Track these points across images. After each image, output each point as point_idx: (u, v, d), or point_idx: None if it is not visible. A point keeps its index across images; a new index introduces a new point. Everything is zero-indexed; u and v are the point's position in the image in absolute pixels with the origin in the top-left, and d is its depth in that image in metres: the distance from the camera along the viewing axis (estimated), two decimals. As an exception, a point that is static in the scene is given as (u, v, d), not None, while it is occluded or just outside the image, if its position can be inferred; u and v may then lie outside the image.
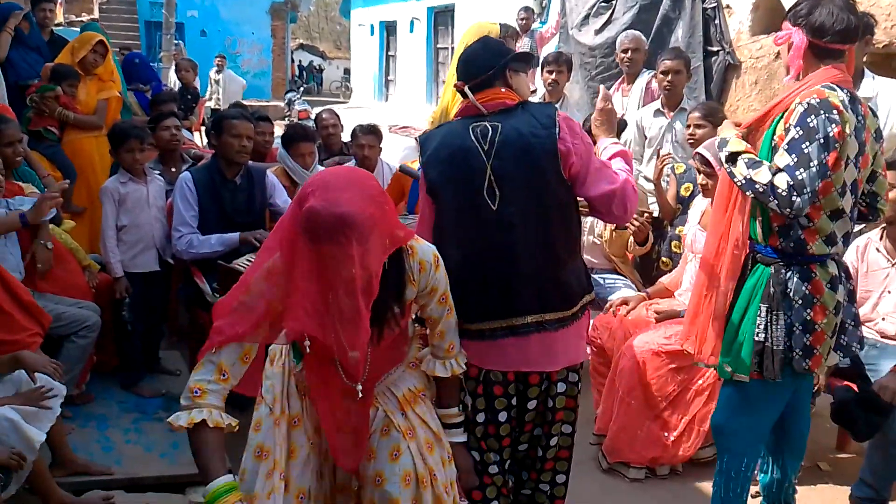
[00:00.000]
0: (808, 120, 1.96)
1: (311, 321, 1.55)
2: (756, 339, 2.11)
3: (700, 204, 3.20)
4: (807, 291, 2.07)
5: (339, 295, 1.52)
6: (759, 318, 2.10)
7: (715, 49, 5.35)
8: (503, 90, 2.04)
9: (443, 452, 1.91)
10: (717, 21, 5.35)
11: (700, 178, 3.07)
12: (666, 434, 2.89)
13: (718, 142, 2.17)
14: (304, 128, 4.12)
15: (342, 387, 1.76)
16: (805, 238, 2.06)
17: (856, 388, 2.58)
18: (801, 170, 1.93)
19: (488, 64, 2.05)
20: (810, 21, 2.05)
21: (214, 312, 1.68)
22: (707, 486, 2.88)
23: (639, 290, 3.48)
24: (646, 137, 4.24)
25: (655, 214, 3.79)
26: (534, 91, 2.16)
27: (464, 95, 2.08)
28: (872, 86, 3.40)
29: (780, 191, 1.94)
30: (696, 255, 3.08)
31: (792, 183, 1.93)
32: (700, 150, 3.03)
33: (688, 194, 3.53)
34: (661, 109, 4.16)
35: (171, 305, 3.84)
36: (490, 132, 1.98)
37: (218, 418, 1.61)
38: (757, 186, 1.99)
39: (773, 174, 1.96)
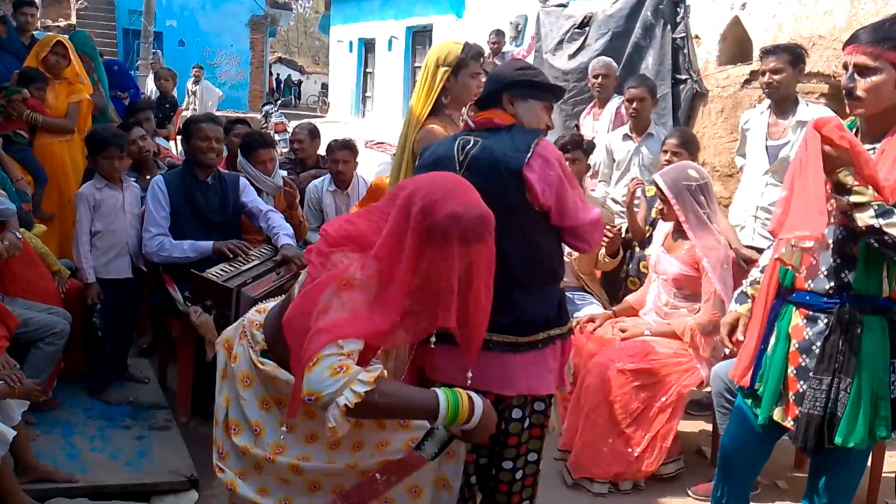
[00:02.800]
0: None
1: (450, 316, 1.60)
2: (893, 396, 1.98)
3: (664, 226, 3.30)
4: None
5: (481, 288, 1.64)
6: (893, 374, 1.98)
7: (683, 77, 5.53)
8: (500, 112, 2.12)
9: None
10: (685, 50, 5.54)
11: (657, 204, 3.18)
12: (629, 450, 2.95)
13: (835, 188, 1.90)
14: (261, 135, 4.17)
15: None
16: None
17: None
18: None
19: (491, 87, 2.17)
20: None
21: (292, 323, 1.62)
22: (668, 501, 2.96)
23: (605, 308, 3.57)
24: (614, 160, 4.35)
25: (624, 234, 3.89)
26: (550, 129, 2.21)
27: (484, 107, 2.19)
28: (808, 112, 3.52)
29: None
30: (659, 275, 3.18)
31: None
32: (655, 177, 3.14)
33: (658, 217, 3.63)
34: (629, 134, 4.28)
35: (142, 313, 3.83)
36: (469, 144, 2.07)
37: (374, 372, 1.53)
38: (885, 238, 1.82)
39: None
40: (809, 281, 2.03)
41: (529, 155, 2.00)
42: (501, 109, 2.13)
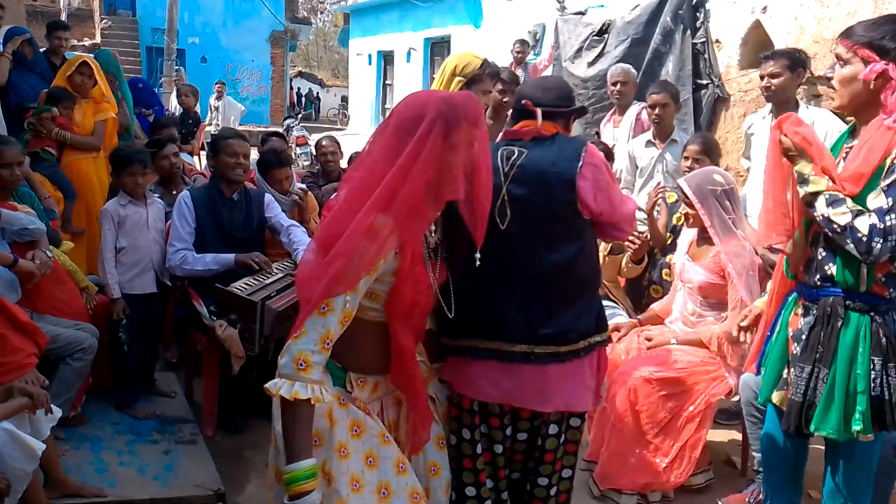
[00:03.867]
0: None
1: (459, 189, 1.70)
2: (873, 393, 1.99)
3: (688, 233, 3.26)
4: None
5: (482, 167, 1.72)
6: (873, 371, 1.98)
7: (704, 82, 5.50)
8: (545, 122, 2.07)
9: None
10: (706, 55, 5.50)
11: (682, 208, 3.14)
12: (657, 460, 2.91)
13: (797, 178, 1.98)
14: (277, 154, 4.16)
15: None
16: None
17: None
18: (893, 215, 1.82)
19: (557, 101, 2.12)
20: None
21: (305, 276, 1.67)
22: (697, 513, 2.91)
23: (630, 317, 3.53)
24: (637, 167, 4.32)
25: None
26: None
27: (526, 116, 2.10)
28: (808, 114, 3.58)
29: (859, 234, 1.83)
30: (684, 283, 3.14)
31: (880, 227, 1.82)
32: (680, 181, 3.10)
33: (679, 223, 3.59)
34: (653, 140, 4.25)
35: (167, 327, 3.86)
36: (514, 156, 2.03)
37: (319, 395, 1.59)
38: (834, 226, 1.88)
39: (854, 216, 1.85)
40: (805, 273, 2.10)
41: (581, 164, 2.00)
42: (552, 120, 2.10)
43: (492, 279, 1.99)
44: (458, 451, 2.11)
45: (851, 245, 1.86)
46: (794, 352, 2.12)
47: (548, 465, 2.15)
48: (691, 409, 2.92)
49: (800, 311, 2.14)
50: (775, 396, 2.19)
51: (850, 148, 2.02)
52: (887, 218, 1.82)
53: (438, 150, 1.64)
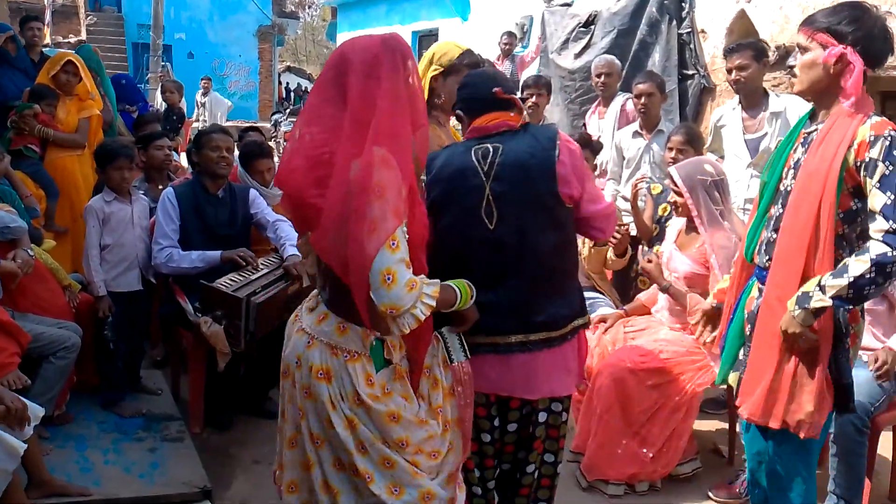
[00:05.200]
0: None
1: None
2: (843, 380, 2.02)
3: (676, 223, 3.26)
4: (847, 322, 2.00)
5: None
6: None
7: (690, 73, 5.50)
8: (512, 114, 2.08)
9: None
10: (692, 45, 5.51)
11: (670, 196, 3.14)
12: (644, 450, 2.92)
13: (799, 297, 1.92)
14: (258, 145, 4.16)
15: None
16: None
17: None
18: None
19: (514, 90, 2.14)
20: (866, 44, 1.90)
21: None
22: (685, 502, 2.92)
23: (616, 308, 3.53)
24: (624, 158, 4.32)
25: (633, 233, 3.85)
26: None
27: (490, 108, 2.09)
28: (779, 102, 3.63)
29: (889, 255, 1.79)
30: (670, 273, 3.14)
31: (893, 228, 1.80)
32: (671, 169, 3.10)
33: (665, 214, 3.60)
34: (640, 131, 4.24)
35: (153, 325, 3.84)
36: (491, 153, 2.02)
37: (435, 286, 1.77)
38: (865, 276, 1.82)
39: (862, 254, 1.83)
40: (757, 255, 2.14)
41: (557, 151, 2.02)
42: (510, 111, 2.09)
43: (484, 279, 2.00)
44: None
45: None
46: (747, 332, 2.17)
47: (535, 452, 2.17)
48: (677, 398, 2.92)
49: (755, 293, 2.17)
50: (731, 377, 2.24)
51: (808, 133, 2.04)
52: None
53: (404, 83, 1.74)
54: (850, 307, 1.92)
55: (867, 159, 1.86)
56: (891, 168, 1.83)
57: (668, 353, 2.98)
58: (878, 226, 1.84)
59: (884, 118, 1.91)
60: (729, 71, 3.69)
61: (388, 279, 1.63)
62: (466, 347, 1.98)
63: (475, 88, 2.13)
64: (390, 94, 1.70)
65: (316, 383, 1.78)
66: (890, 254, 1.80)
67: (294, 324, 1.92)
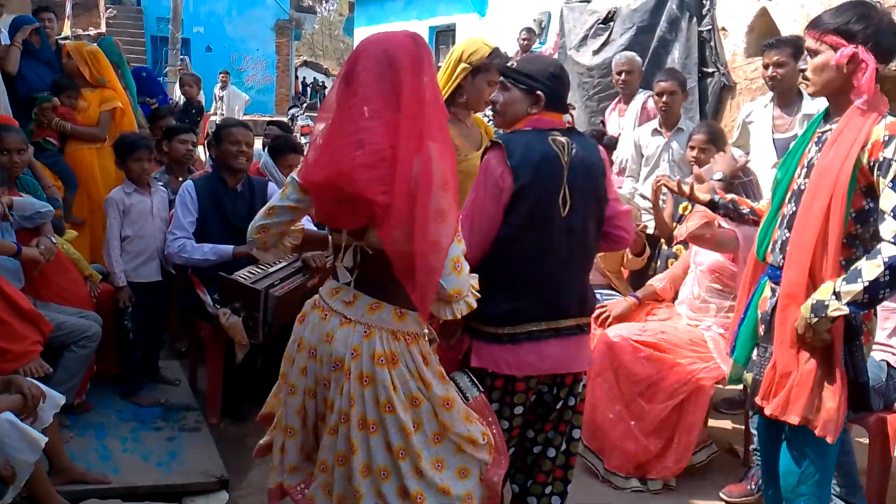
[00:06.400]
0: None
1: None
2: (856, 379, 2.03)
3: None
4: (861, 320, 1.99)
5: None
6: (849, 356, 2.01)
7: (710, 70, 5.45)
8: (563, 116, 2.23)
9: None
10: (712, 43, 5.46)
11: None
12: (633, 423, 2.93)
13: (815, 306, 1.91)
14: (290, 139, 4.21)
15: None
16: None
17: None
18: None
19: (562, 90, 2.23)
20: (878, 40, 1.89)
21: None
22: (700, 499, 2.91)
23: (633, 309, 3.53)
24: (643, 156, 4.29)
25: (650, 231, 3.84)
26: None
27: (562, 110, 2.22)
28: (813, 105, 3.52)
29: None
30: (696, 266, 3.15)
31: None
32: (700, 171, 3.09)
33: (686, 212, 3.58)
34: (659, 129, 4.21)
35: (174, 316, 3.87)
36: (566, 145, 2.12)
37: (476, 279, 1.96)
38: (880, 280, 1.81)
39: (876, 256, 1.82)
40: (771, 254, 2.14)
41: (601, 153, 2.23)
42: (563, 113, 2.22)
43: (551, 265, 2.12)
44: None
45: None
46: (761, 332, 2.18)
47: (573, 425, 2.29)
48: (675, 381, 2.90)
49: (768, 293, 2.17)
50: (747, 377, 2.26)
51: (822, 133, 2.04)
52: None
53: (434, 77, 1.86)
54: (865, 311, 1.91)
55: (881, 159, 1.85)
56: None
57: (670, 336, 3.02)
58: (889, 227, 1.83)
59: None
60: (766, 66, 3.59)
61: (458, 266, 1.80)
62: (477, 383, 2.08)
63: (564, 88, 2.23)
64: (431, 88, 1.80)
65: (379, 370, 1.82)
66: None
67: (323, 323, 1.91)
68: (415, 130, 1.74)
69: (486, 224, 2.09)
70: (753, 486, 2.84)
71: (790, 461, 2.11)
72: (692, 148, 3.52)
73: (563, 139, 2.12)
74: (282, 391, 2.06)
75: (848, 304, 1.85)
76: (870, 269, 1.82)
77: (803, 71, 2.02)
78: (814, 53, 1.98)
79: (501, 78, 2.23)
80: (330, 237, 1.98)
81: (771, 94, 3.71)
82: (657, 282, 3.36)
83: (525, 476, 2.30)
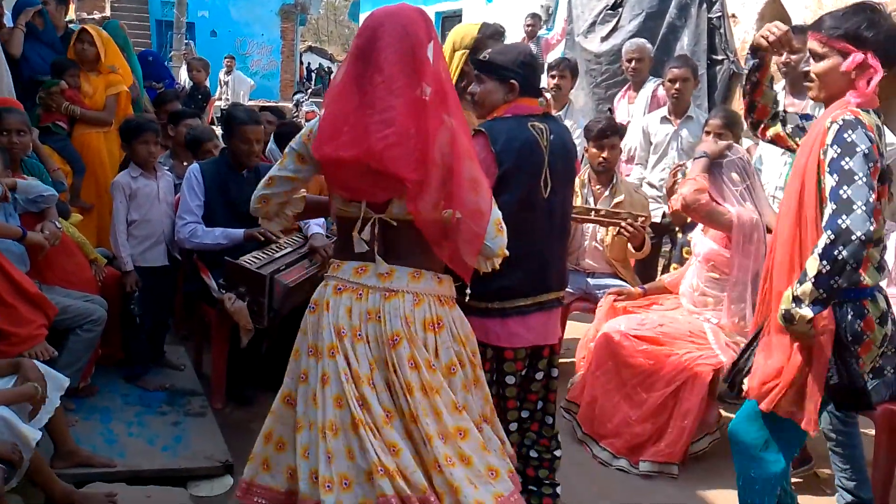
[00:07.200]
0: (846, 136, 1.83)
1: None
2: (831, 383, 1.98)
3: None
4: (859, 329, 1.96)
5: None
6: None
7: (720, 58, 5.38)
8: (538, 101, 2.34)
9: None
10: (722, 30, 5.38)
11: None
12: (634, 417, 2.99)
13: (784, 316, 1.90)
14: (296, 125, 4.22)
15: None
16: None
17: None
18: (845, 186, 1.78)
19: (536, 74, 2.35)
20: (887, 46, 1.88)
21: None
22: (709, 493, 2.90)
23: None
24: (651, 143, 4.26)
25: (656, 219, 3.81)
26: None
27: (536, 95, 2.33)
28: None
29: (834, 242, 1.76)
30: (695, 256, 3.16)
31: (840, 221, 1.77)
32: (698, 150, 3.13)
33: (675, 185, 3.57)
34: (668, 117, 4.18)
35: (178, 300, 3.87)
36: (544, 131, 2.23)
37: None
38: (822, 273, 1.79)
39: (814, 252, 1.82)
40: None
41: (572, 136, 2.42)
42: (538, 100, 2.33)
43: (536, 244, 2.24)
44: None
45: (845, 250, 1.75)
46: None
47: (551, 403, 2.43)
48: (673, 372, 2.92)
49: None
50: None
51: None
52: (841, 192, 1.78)
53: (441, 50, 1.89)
54: (827, 305, 1.86)
55: (825, 147, 1.86)
56: (838, 151, 1.82)
57: (669, 328, 3.05)
58: (826, 212, 1.81)
59: (857, 110, 1.87)
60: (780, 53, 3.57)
61: (501, 227, 1.90)
62: None
63: (536, 74, 2.33)
64: (443, 62, 1.87)
65: (428, 335, 1.88)
66: (830, 242, 1.76)
67: (360, 303, 1.86)
68: (436, 106, 1.78)
69: None
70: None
71: (748, 432, 2.12)
72: (707, 133, 3.48)
73: (541, 125, 2.24)
74: (300, 386, 1.95)
75: (811, 304, 1.83)
76: (811, 265, 1.82)
77: (807, 73, 2.02)
78: (819, 57, 1.96)
79: (476, 71, 2.33)
80: (336, 209, 1.96)
81: (783, 81, 3.66)
82: (667, 277, 3.44)
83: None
